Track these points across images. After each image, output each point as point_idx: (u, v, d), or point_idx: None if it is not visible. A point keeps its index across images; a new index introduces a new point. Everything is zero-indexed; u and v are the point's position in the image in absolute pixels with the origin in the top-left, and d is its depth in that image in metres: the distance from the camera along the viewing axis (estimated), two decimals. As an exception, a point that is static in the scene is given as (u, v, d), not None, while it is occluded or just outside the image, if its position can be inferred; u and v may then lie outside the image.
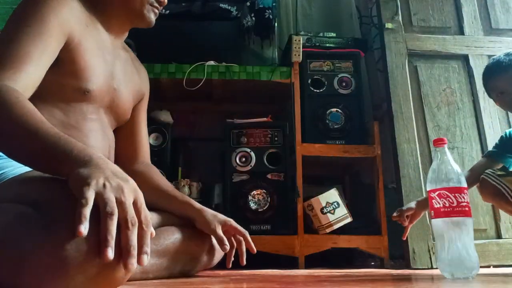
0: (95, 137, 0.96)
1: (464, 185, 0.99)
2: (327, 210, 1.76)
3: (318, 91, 1.98)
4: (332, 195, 1.79)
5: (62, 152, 0.63)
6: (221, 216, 1.09)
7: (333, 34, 2.09)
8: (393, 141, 1.88)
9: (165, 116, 1.95)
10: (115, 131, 1.09)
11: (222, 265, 1.12)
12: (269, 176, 1.80)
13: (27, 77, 0.77)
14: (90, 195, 0.55)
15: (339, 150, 1.88)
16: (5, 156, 0.81)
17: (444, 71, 2.03)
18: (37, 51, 0.79)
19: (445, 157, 1.01)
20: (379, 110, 2.27)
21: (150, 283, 0.88)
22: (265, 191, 1.77)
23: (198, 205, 1.10)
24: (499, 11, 2.15)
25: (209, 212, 1.09)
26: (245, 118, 1.91)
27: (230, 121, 1.91)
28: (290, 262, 1.73)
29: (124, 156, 1.15)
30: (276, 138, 1.85)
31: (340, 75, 2.00)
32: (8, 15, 0.86)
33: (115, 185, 0.57)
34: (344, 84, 1.99)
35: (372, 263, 2.06)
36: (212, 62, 1.93)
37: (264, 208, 1.74)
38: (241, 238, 1.10)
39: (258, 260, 1.28)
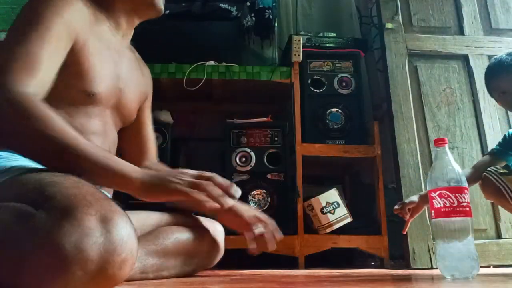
0: (96, 140, 0.96)
1: (465, 185, 0.99)
2: (327, 210, 1.76)
3: (318, 91, 1.98)
4: (332, 195, 1.78)
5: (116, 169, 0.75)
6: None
7: (333, 34, 2.09)
8: (393, 141, 1.89)
9: (165, 116, 1.94)
10: (121, 132, 1.10)
11: (222, 265, 1.12)
12: (269, 176, 1.80)
13: (39, 82, 0.78)
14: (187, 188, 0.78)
15: (339, 150, 1.88)
16: (5, 156, 0.81)
17: (444, 71, 2.03)
18: (46, 55, 0.80)
19: (446, 157, 1.01)
20: (379, 110, 2.27)
21: (150, 283, 0.87)
22: (265, 191, 1.77)
23: None
24: (499, 11, 2.15)
25: None
26: (245, 118, 1.91)
27: (230, 121, 1.91)
28: (290, 262, 1.73)
29: (133, 155, 1.15)
30: (276, 138, 1.85)
31: (340, 75, 2.00)
32: (8, 15, 0.85)
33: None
34: (344, 84, 1.99)
35: (372, 263, 2.06)
36: (212, 62, 1.93)
37: (264, 208, 1.74)
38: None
39: (258, 260, 1.28)
